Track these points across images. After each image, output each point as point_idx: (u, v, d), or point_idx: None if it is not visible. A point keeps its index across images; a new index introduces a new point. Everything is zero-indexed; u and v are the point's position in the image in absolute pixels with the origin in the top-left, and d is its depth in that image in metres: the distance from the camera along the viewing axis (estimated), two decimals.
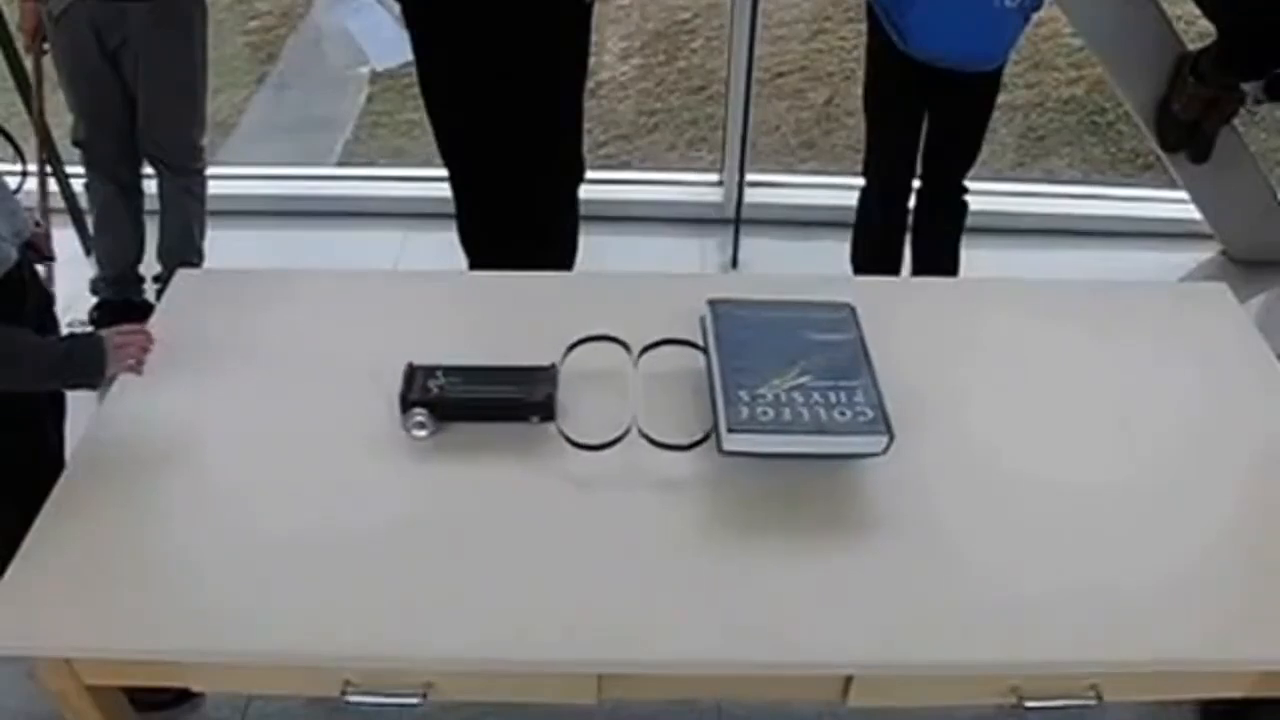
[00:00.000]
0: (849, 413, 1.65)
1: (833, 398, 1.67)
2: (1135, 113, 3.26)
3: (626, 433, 1.69)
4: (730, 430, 1.64)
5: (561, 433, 1.71)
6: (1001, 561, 1.58)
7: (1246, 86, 3.03)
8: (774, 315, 1.84)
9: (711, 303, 1.86)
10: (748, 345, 1.77)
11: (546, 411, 1.73)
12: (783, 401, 1.67)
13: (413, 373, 1.75)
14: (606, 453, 1.68)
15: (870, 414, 1.65)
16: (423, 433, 1.72)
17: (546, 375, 1.77)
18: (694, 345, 1.84)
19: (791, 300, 1.89)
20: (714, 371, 1.75)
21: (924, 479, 1.68)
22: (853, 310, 1.86)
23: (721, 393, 1.69)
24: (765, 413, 1.65)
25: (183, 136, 2.88)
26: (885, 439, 1.63)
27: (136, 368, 1.75)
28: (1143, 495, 1.68)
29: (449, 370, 1.76)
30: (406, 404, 1.72)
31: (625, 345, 1.80)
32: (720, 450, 1.65)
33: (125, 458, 1.71)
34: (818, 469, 1.67)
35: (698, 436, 1.70)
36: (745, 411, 1.65)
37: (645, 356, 1.81)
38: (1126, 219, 3.59)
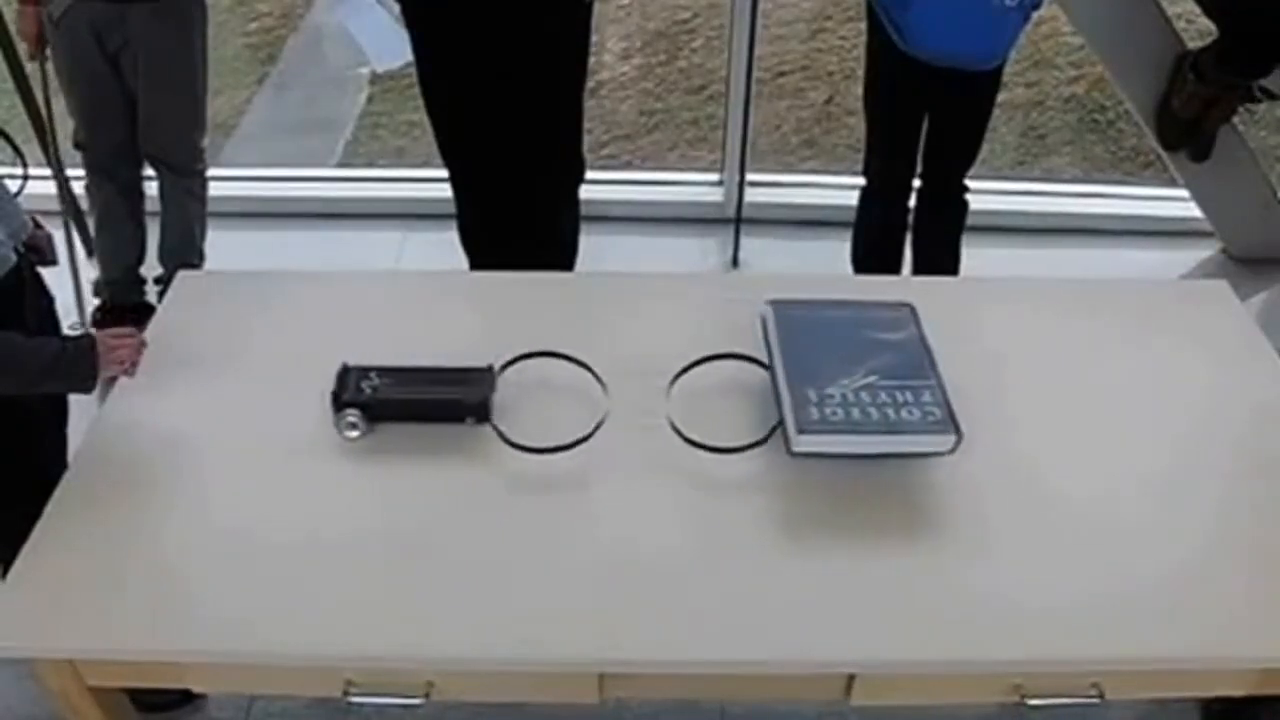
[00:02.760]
0: (917, 412, 1.66)
1: (900, 397, 1.68)
2: (1135, 111, 3.26)
3: (593, 433, 1.68)
4: (800, 431, 1.63)
5: (499, 433, 1.70)
6: (1002, 560, 1.58)
7: (1264, 81, 3.02)
8: (835, 315, 1.84)
9: (772, 303, 1.86)
10: (811, 346, 1.77)
11: (482, 413, 1.73)
12: (851, 401, 1.67)
13: (346, 373, 1.76)
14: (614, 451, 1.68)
15: (939, 413, 1.66)
16: (355, 433, 1.72)
17: (484, 376, 1.77)
18: (750, 359, 1.83)
19: (850, 300, 1.89)
20: (778, 372, 1.74)
21: (926, 478, 1.68)
22: (913, 310, 1.86)
23: (788, 393, 1.69)
24: (835, 413, 1.65)
25: (183, 137, 2.88)
26: (954, 438, 1.64)
27: (129, 370, 1.74)
28: (1143, 493, 1.68)
29: (383, 371, 1.76)
30: (339, 404, 1.72)
31: (589, 368, 1.80)
32: (789, 452, 1.65)
33: (127, 459, 1.71)
34: (821, 469, 1.67)
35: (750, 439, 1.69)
36: (815, 412, 1.65)
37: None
38: (1127, 217, 3.58)
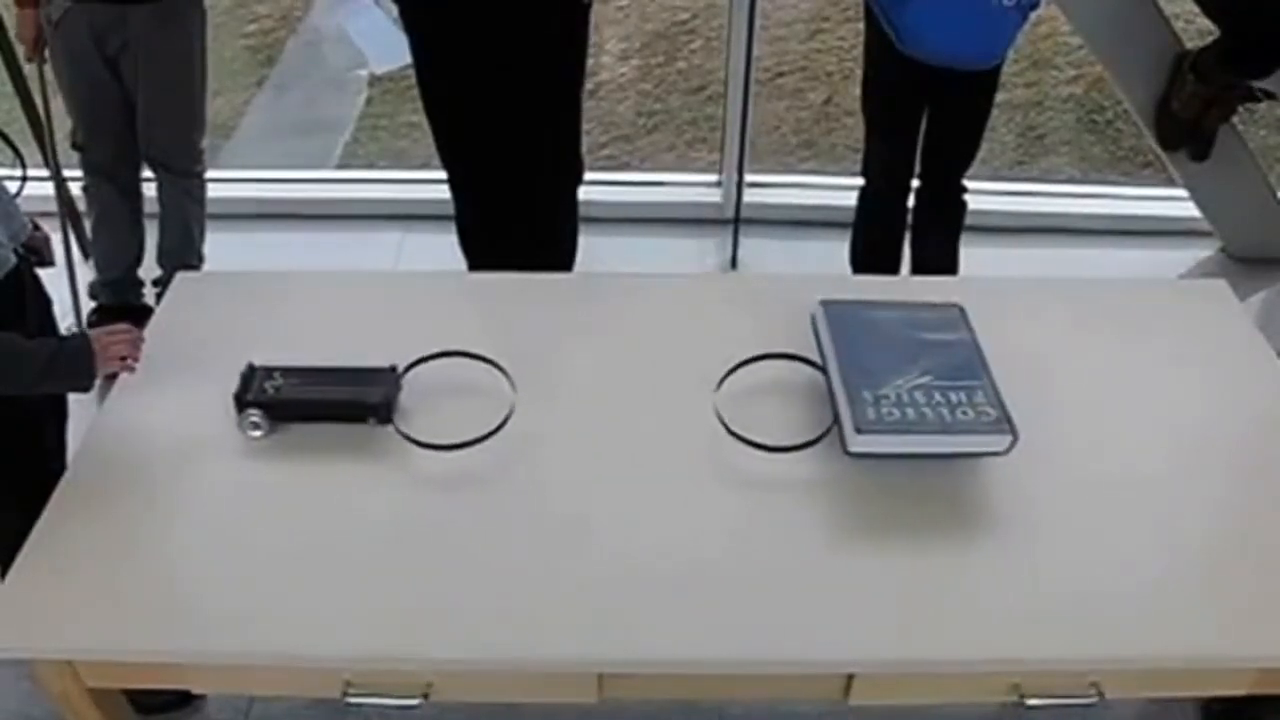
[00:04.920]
0: (971, 412, 1.66)
1: (954, 397, 1.68)
2: (1135, 111, 3.26)
3: (500, 427, 1.69)
4: (858, 431, 1.64)
5: (401, 433, 1.70)
6: (1000, 559, 1.58)
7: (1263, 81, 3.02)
8: (886, 316, 1.85)
9: (823, 303, 1.86)
10: (864, 346, 1.77)
11: (384, 414, 1.73)
12: (906, 401, 1.67)
13: (251, 373, 1.77)
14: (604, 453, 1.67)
15: (993, 413, 1.66)
16: (257, 433, 1.73)
17: (387, 377, 1.77)
18: (798, 358, 1.83)
19: (899, 301, 1.89)
20: (832, 372, 1.75)
21: (933, 479, 1.68)
22: (962, 311, 1.86)
23: (844, 392, 1.69)
24: (891, 413, 1.65)
25: (182, 139, 2.88)
26: (1009, 438, 1.64)
27: (128, 365, 1.73)
28: (1142, 492, 1.68)
29: (288, 371, 1.77)
30: (241, 404, 1.73)
31: (497, 365, 1.80)
32: (846, 452, 1.65)
33: (126, 460, 1.71)
34: (831, 468, 1.67)
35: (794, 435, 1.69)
36: (871, 412, 1.65)
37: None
38: (1126, 217, 3.58)
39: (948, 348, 1.78)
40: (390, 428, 1.72)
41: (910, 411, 1.66)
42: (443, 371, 1.81)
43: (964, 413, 1.66)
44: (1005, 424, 1.65)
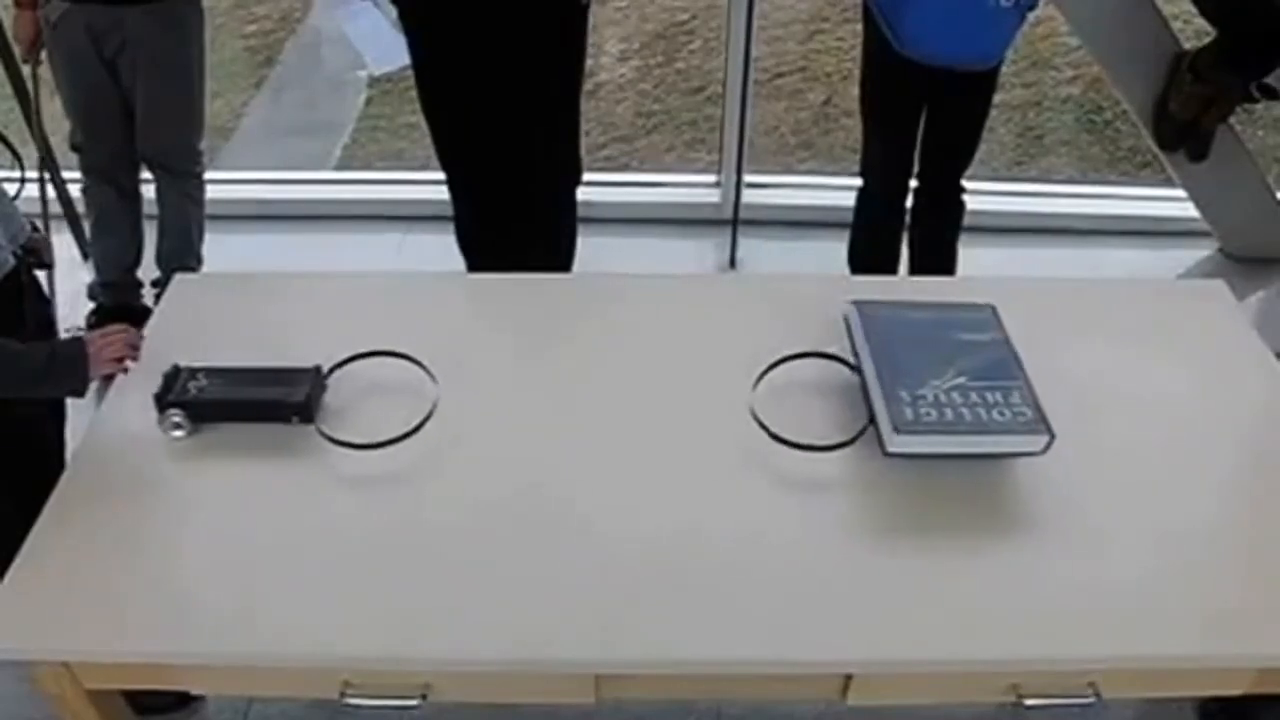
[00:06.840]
0: (1008, 413, 1.67)
1: (990, 398, 1.69)
2: (1133, 111, 3.27)
3: (423, 422, 1.68)
4: (897, 431, 1.64)
5: (321, 432, 1.71)
6: (998, 558, 1.58)
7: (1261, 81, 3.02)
8: (919, 316, 1.86)
9: (857, 304, 1.87)
10: (899, 346, 1.78)
11: (305, 413, 1.73)
12: (943, 402, 1.68)
13: (176, 373, 1.77)
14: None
15: (1029, 414, 1.67)
16: (179, 433, 1.73)
17: (309, 376, 1.77)
18: (834, 357, 1.83)
19: (932, 301, 1.90)
20: (868, 372, 1.75)
21: (916, 476, 1.68)
22: (994, 311, 1.87)
23: (881, 393, 1.70)
24: (928, 413, 1.66)
25: (181, 140, 2.88)
26: (1045, 438, 1.64)
27: (123, 366, 1.73)
28: (1138, 491, 1.68)
29: (211, 371, 1.78)
30: (162, 405, 1.73)
31: (420, 363, 1.81)
32: (885, 452, 1.66)
33: (124, 461, 1.71)
34: (838, 467, 1.67)
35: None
36: (909, 412, 1.66)
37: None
38: (1124, 217, 3.59)
39: (982, 348, 1.79)
40: (332, 429, 1.72)
41: (948, 412, 1.67)
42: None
43: (1000, 413, 1.67)
44: (1041, 424, 1.66)
